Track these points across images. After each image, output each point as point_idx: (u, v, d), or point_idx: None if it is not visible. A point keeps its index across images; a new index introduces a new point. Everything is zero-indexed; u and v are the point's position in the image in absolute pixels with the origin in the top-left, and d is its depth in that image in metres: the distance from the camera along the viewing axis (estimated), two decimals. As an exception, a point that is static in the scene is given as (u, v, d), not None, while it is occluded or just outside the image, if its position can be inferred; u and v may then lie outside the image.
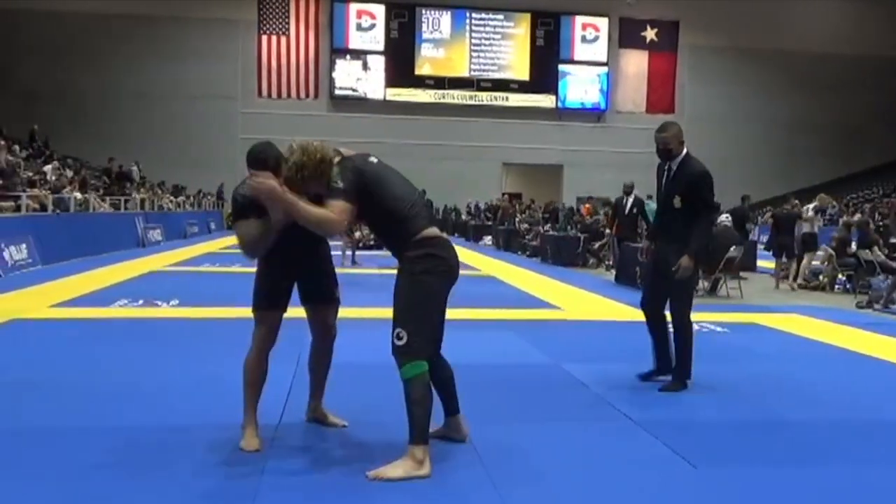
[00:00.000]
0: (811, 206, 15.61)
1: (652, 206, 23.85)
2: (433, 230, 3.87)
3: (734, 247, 12.08)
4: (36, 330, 7.73)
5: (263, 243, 3.99)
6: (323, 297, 4.34)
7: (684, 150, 5.72)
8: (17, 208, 15.82)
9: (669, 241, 5.67)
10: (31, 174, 19.73)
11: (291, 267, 4.16)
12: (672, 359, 5.76)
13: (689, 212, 5.57)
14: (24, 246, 13.74)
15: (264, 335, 4.17)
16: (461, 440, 4.22)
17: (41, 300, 9.83)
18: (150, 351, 6.72)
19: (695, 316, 9.30)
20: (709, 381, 5.97)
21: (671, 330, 5.78)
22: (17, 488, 3.49)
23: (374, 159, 3.97)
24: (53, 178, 20.66)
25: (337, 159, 3.83)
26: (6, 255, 12.92)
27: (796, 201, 16.55)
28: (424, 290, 3.77)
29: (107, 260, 15.89)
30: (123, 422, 4.53)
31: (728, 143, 39.35)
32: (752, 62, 39.43)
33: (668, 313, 5.83)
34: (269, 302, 4.15)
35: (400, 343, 3.71)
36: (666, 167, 5.76)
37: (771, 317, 9.72)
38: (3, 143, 18.58)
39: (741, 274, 13.35)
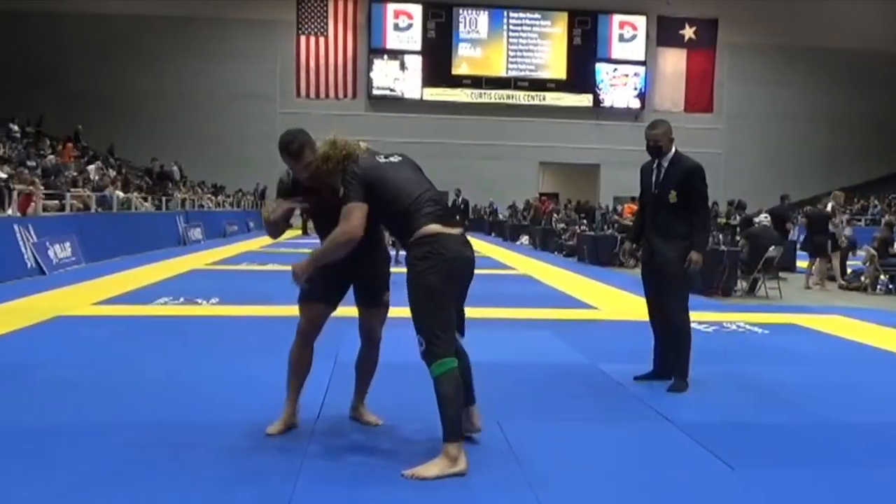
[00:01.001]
0: (830, 204, 15.25)
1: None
2: (433, 227, 3.84)
3: (773, 247, 11.94)
4: (79, 327, 7.87)
5: (280, 228, 4.34)
6: (369, 301, 4.38)
7: (674, 148, 5.78)
8: (62, 207, 16.13)
9: (665, 238, 5.67)
10: (74, 174, 20.09)
11: (344, 266, 4.16)
12: (671, 362, 5.72)
13: (683, 207, 5.60)
14: (68, 244, 13.99)
15: (302, 326, 4.32)
16: (474, 432, 4.20)
17: (84, 298, 10.01)
18: (190, 348, 6.82)
19: (733, 316, 9.36)
20: (747, 381, 5.93)
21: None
22: (64, 482, 3.57)
23: (387, 158, 4.05)
24: (96, 177, 21.02)
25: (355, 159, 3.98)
26: (51, 253, 13.17)
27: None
28: (427, 291, 3.78)
29: (148, 258, 16.11)
30: (164, 417, 4.60)
31: (767, 142, 38.94)
32: (793, 60, 38.91)
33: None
34: (309, 294, 4.26)
35: (422, 349, 3.79)
36: (655, 165, 5.81)
37: (810, 318, 9.59)
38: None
39: (780, 274, 13.21)
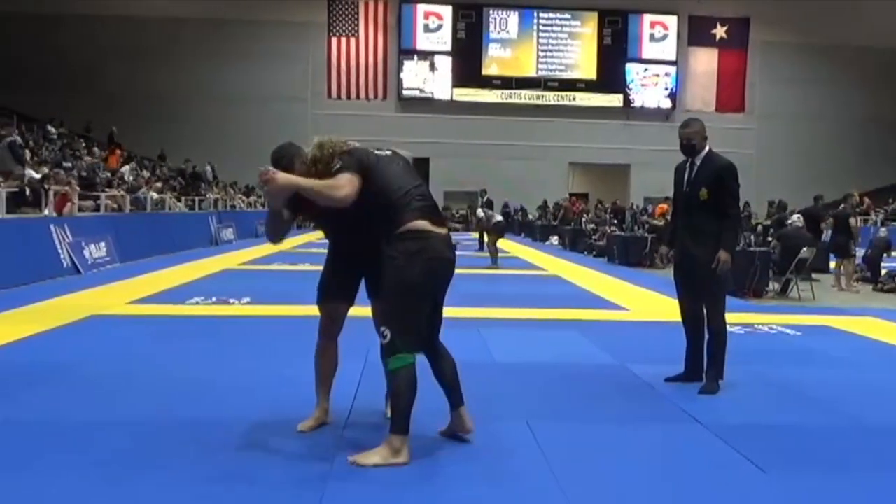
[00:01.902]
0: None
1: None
2: (421, 223, 3.87)
3: (806, 248, 11.83)
4: (114, 326, 8.00)
5: (281, 231, 4.35)
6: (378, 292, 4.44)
7: (707, 146, 5.74)
8: (97, 208, 16.36)
9: (696, 238, 5.63)
10: (109, 175, 20.36)
11: (353, 262, 4.31)
12: (703, 365, 5.68)
13: (714, 206, 5.56)
14: (103, 244, 14.20)
15: (322, 323, 4.47)
16: (465, 434, 4.22)
17: (119, 297, 10.15)
18: (222, 347, 6.91)
19: (765, 317, 9.29)
20: (778, 383, 5.89)
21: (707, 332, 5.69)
22: (98, 476, 3.64)
23: (381, 152, 4.09)
24: (131, 178, 21.28)
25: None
26: (86, 253, 13.37)
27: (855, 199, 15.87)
28: (404, 286, 3.81)
29: (181, 258, 16.30)
30: (196, 415, 4.67)
31: (800, 142, 38.50)
32: (826, 58, 38.41)
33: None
34: (322, 293, 4.42)
35: (384, 341, 3.83)
36: (688, 164, 5.78)
37: (844, 319, 9.48)
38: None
39: (814, 276, 13.07)
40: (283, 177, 3.85)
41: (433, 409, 4.21)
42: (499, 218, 17.37)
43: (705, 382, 5.59)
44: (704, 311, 5.66)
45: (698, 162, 5.71)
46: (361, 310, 4.44)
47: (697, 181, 5.66)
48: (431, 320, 4.07)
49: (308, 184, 3.85)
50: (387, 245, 3.88)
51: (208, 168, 30.04)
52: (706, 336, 5.68)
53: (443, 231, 3.96)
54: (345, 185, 3.81)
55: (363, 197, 3.87)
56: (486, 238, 17.33)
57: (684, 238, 5.78)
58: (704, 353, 5.68)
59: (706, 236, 5.55)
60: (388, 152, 4.13)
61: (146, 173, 23.65)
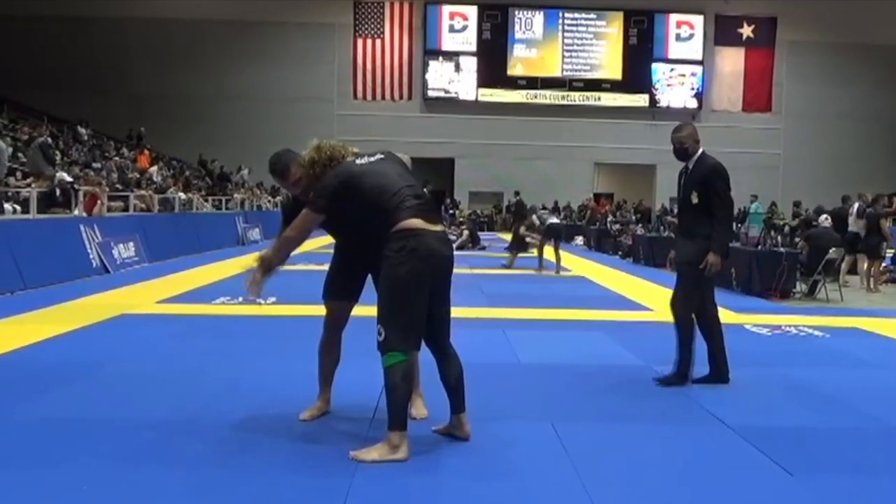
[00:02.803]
0: (855, 205, 14.82)
1: (756, 206, 23.28)
2: (413, 221, 3.92)
3: (834, 248, 11.72)
4: (142, 324, 8.09)
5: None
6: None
7: (700, 149, 5.78)
8: (126, 208, 16.54)
9: (687, 239, 5.74)
10: (137, 175, 20.59)
11: (355, 263, 4.46)
12: (726, 360, 5.77)
13: (705, 208, 5.61)
14: (131, 244, 14.35)
15: (326, 321, 4.67)
16: (463, 438, 4.25)
17: (147, 296, 10.26)
18: (248, 347, 6.98)
19: (793, 319, 9.22)
20: (806, 385, 5.85)
21: (699, 327, 5.80)
22: (130, 475, 3.70)
23: (368, 159, 4.15)
24: (159, 178, 21.50)
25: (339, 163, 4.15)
26: (115, 252, 13.52)
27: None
28: (397, 284, 3.89)
29: (208, 258, 16.43)
30: (224, 413, 4.72)
31: (828, 142, 38.07)
32: (854, 57, 37.93)
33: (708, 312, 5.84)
34: (325, 292, 4.61)
35: (380, 339, 3.91)
36: (683, 168, 5.84)
37: (873, 321, 9.39)
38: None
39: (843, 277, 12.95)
40: (258, 275, 4.24)
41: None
42: (553, 220, 15.97)
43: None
44: (707, 307, 5.76)
45: (691, 166, 5.78)
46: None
47: (689, 185, 5.75)
48: (435, 318, 4.09)
49: (275, 255, 4.26)
50: (384, 245, 3.95)
51: (245, 171, 30.29)
52: (717, 330, 5.80)
53: (437, 228, 4.02)
54: (302, 230, 4.14)
55: (358, 204, 4.00)
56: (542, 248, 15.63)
57: (679, 239, 5.93)
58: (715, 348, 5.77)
59: (698, 238, 5.63)
60: (380, 156, 4.19)
61: (170, 171, 23.86)
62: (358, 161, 4.13)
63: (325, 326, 4.67)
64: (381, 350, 3.92)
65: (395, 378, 3.88)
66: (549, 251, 15.24)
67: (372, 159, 4.15)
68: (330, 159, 4.16)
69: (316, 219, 4.12)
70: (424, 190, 4.24)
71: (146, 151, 25.35)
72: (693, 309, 5.73)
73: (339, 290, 4.57)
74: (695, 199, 5.67)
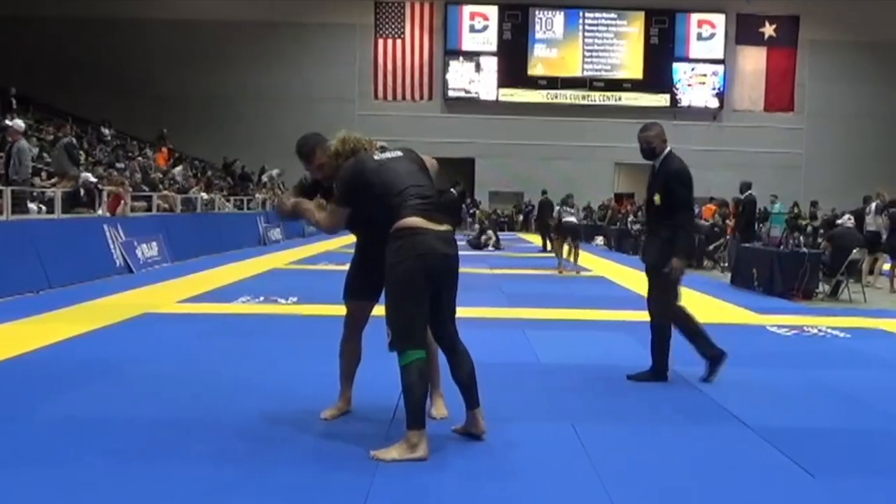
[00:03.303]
0: (873, 204, 14.65)
1: (779, 207, 23.12)
2: (413, 220, 3.94)
3: (857, 249, 11.62)
4: (165, 324, 8.16)
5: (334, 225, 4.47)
6: None
7: (667, 149, 5.81)
8: (149, 208, 16.68)
9: (652, 239, 5.81)
10: (160, 175, 20.75)
11: (374, 262, 4.38)
12: (668, 359, 5.86)
13: (668, 210, 5.64)
14: (154, 244, 14.46)
15: (346, 320, 4.72)
16: (478, 435, 4.26)
17: (170, 295, 10.34)
18: (269, 346, 7.02)
19: (815, 320, 9.16)
20: (828, 386, 5.81)
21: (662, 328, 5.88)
22: (151, 473, 3.75)
23: (385, 154, 4.18)
24: (181, 178, 21.65)
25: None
26: (138, 252, 13.63)
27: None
28: (395, 283, 3.94)
29: (230, 258, 16.52)
30: (244, 412, 4.76)
31: (851, 142, 37.73)
32: (876, 56, 37.54)
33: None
34: (345, 291, 4.67)
35: (389, 339, 3.96)
36: (651, 166, 5.87)
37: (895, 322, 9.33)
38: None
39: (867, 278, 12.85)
40: (291, 203, 4.53)
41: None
42: (567, 217, 15.68)
43: (645, 373, 5.81)
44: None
45: (657, 165, 5.81)
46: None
47: (653, 185, 5.79)
48: (441, 317, 4.12)
49: (307, 213, 4.42)
50: (387, 245, 3.99)
51: (275, 172, 30.46)
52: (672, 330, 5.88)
53: (439, 227, 4.01)
54: (327, 218, 4.31)
55: (368, 199, 4.07)
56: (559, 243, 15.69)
57: (646, 240, 6.02)
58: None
59: (662, 241, 5.66)
60: (398, 153, 4.22)
61: (192, 172, 24.01)
62: (375, 157, 4.16)
63: (346, 326, 4.72)
64: (394, 350, 3.96)
65: (411, 377, 3.91)
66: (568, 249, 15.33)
67: (389, 156, 4.18)
68: (353, 151, 4.21)
69: (342, 211, 4.20)
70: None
71: (164, 150, 25.52)
72: (672, 312, 5.77)
73: (359, 290, 4.61)
74: (657, 201, 5.71)
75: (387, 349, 3.96)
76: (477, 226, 23.37)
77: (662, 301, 5.75)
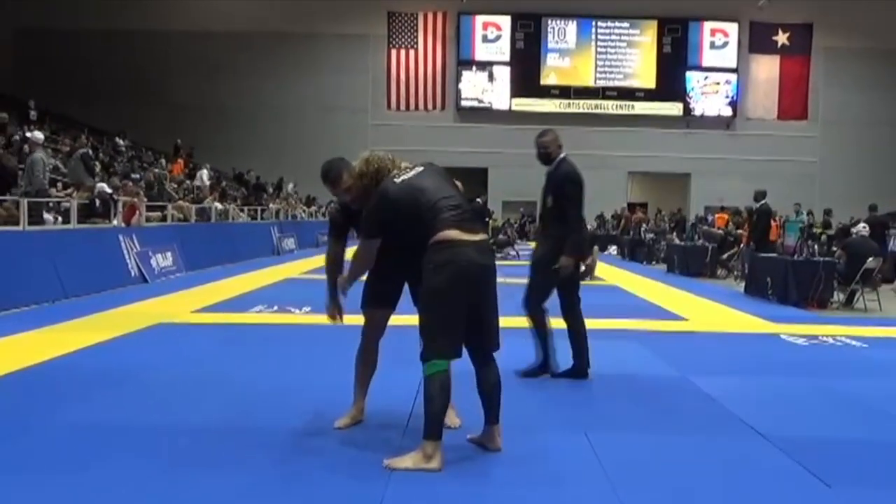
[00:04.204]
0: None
1: (801, 217, 23.02)
2: (450, 233, 3.97)
3: (872, 258, 11.56)
4: (180, 333, 8.20)
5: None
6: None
7: (562, 154, 6.02)
8: (164, 218, 16.77)
9: (545, 239, 6.06)
10: (175, 185, 20.87)
11: (393, 271, 4.52)
12: (588, 357, 6.14)
13: (559, 211, 5.88)
14: (169, 254, 14.54)
15: (365, 329, 4.76)
16: (493, 450, 4.26)
17: (184, 305, 10.39)
18: (283, 355, 7.04)
19: (830, 329, 9.12)
20: (844, 396, 5.78)
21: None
22: (162, 480, 3.77)
23: (409, 173, 4.18)
24: (208, 182, 21.77)
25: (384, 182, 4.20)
26: (153, 262, 13.71)
27: None
28: (433, 294, 3.96)
29: (244, 267, 16.58)
30: (260, 421, 4.79)
31: (865, 150, 37.50)
32: (892, 63, 37.22)
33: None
34: (364, 301, 4.69)
35: (421, 349, 3.98)
36: (546, 171, 6.07)
37: (913, 332, 9.26)
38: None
39: (883, 286, 12.76)
40: (344, 279, 4.55)
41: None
42: None
43: (530, 367, 6.05)
44: (575, 308, 6.16)
45: (552, 169, 6.00)
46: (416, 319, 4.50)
47: (547, 189, 6.00)
48: (483, 327, 4.14)
49: (352, 271, 4.45)
50: (424, 257, 4.01)
51: (291, 185, 30.52)
52: (570, 331, 6.19)
53: (475, 238, 4.04)
54: (362, 257, 4.32)
55: (398, 219, 4.09)
56: None
57: (538, 241, 6.30)
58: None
59: (553, 240, 5.90)
60: (420, 169, 4.24)
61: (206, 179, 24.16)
62: (396, 179, 4.15)
63: (363, 334, 4.76)
64: (422, 359, 3.98)
65: (433, 388, 3.93)
66: None
67: (412, 174, 4.18)
68: (377, 171, 4.23)
69: (372, 244, 4.24)
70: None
71: (180, 161, 25.67)
72: (540, 303, 5.99)
73: (377, 298, 4.64)
74: (549, 203, 5.94)
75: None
76: (502, 236, 23.44)
77: (532, 297, 6.00)
